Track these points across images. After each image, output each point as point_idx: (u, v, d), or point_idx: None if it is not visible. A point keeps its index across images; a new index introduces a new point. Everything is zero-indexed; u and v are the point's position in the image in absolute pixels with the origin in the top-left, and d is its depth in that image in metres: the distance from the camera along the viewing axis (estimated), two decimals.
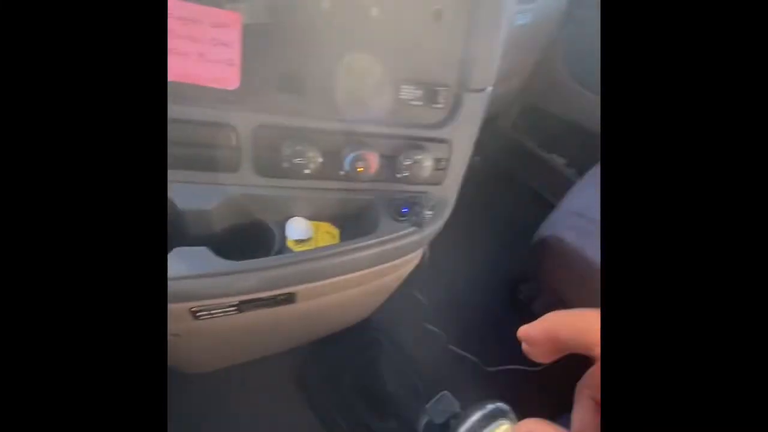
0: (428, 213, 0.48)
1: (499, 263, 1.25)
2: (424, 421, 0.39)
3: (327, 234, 0.53)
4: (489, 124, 0.77)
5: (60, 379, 0.19)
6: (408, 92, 0.47)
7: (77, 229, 0.20)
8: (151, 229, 0.21)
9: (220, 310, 0.49)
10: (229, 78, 0.41)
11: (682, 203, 0.16)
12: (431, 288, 0.97)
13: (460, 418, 0.34)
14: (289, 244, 0.50)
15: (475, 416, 0.33)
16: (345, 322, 0.87)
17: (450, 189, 0.53)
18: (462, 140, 0.50)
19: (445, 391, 0.41)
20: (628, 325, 0.16)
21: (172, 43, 0.39)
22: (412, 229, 0.50)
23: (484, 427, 0.32)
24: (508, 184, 1.46)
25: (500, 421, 0.33)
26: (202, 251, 0.43)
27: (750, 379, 0.14)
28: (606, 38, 0.17)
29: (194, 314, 0.47)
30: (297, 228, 0.50)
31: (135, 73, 0.21)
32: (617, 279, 0.16)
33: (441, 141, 0.49)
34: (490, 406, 0.34)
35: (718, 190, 0.15)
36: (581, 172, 1.11)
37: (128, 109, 0.21)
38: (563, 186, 1.06)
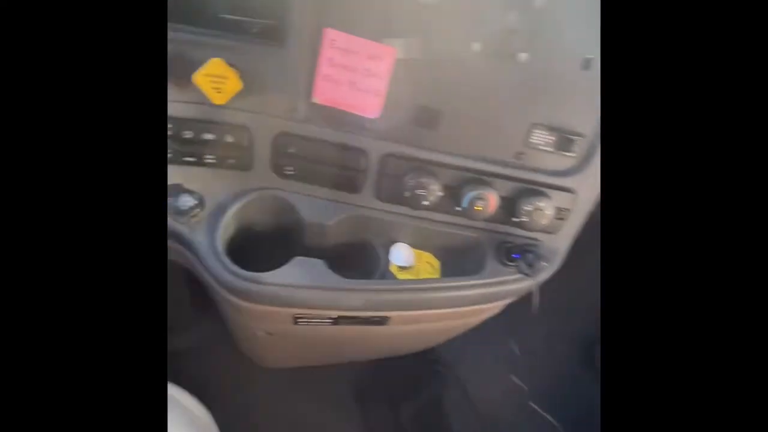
0: (543, 264, 0.46)
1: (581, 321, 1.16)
2: None
3: (428, 264, 0.53)
4: None
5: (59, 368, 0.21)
6: (540, 137, 0.46)
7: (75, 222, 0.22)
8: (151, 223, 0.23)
9: (318, 321, 0.50)
10: (372, 107, 0.43)
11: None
12: (515, 334, 0.92)
13: None
14: (392, 269, 0.51)
15: None
16: (415, 348, 0.86)
17: (564, 240, 0.50)
18: (588, 191, 0.48)
19: None
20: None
21: (330, 70, 0.42)
22: (519, 275, 0.48)
23: None
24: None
25: None
26: (319, 264, 0.45)
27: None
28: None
29: (295, 320, 0.50)
30: (402, 254, 0.51)
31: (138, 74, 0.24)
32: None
33: (566, 190, 0.47)
34: None
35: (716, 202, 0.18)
36: None
37: (128, 107, 0.23)
38: None
